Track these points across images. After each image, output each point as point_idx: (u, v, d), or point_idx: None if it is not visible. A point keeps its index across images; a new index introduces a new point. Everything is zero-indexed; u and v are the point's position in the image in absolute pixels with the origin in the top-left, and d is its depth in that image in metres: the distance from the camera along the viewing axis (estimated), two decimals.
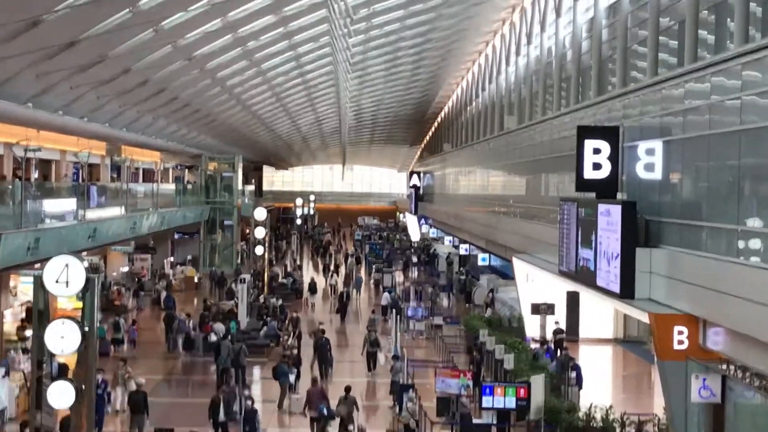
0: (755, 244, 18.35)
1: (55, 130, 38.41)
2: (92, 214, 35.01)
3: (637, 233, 22.62)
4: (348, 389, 25.33)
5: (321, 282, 58.31)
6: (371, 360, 33.32)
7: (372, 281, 60.55)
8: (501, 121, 52.88)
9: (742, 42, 20.43)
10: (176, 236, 61.96)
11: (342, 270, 62.31)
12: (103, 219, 36.18)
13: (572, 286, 30.08)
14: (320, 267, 69.06)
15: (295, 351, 32.60)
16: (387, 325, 41.99)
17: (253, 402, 24.76)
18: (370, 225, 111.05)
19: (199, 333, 36.41)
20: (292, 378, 29.42)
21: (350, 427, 24.25)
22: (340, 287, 52.38)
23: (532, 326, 35.25)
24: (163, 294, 46.47)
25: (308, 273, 63.96)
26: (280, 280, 55.89)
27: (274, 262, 67.04)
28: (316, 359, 32.56)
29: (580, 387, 27.56)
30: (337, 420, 24.52)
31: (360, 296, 53.96)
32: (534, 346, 32.64)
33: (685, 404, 21.05)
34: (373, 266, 64.25)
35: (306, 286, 52.37)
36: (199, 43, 35.12)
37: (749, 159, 18.65)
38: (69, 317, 14.99)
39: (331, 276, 57.37)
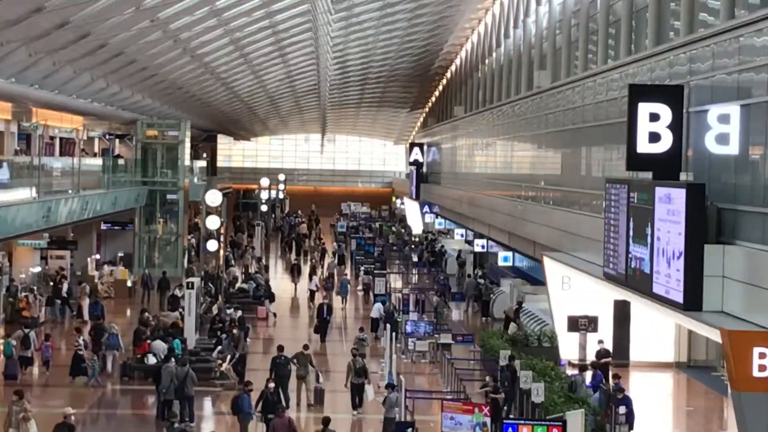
0: None
1: None
2: None
3: (707, 226, 22.66)
4: (326, 422, 25.40)
5: (288, 287, 58.49)
6: (357, 394, 32.99)
7: (360, 286, 60.48)
8: (530, 78, 52.91)
9: None
10: (104, 227, 61.59)
11: (320, 271, 62.25)
12: (8, 204, 36.01)
13: (621, 294, 30.05)
14: (291, 267, 68.53)
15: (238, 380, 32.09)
16: (379, 345, 41.88)
17: None
18: (357, 213, 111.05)
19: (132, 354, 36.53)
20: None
21: None
22: (319, 296, 52.30)
23: (568, 346, 35.29)
24: (86, 301, 46.36)
25: (276, 276, 63.90)
26: (239, 284, 55.82)
27: (233, 261, 66.94)
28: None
29: (631, 426, 27.56)
30: None
31: (345, 306, 53.94)
32: (571, 372, 32.60)
33: None
34: (362, 267, 64.18)
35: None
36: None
37: None
38: None
39: (310, 278, 57.20)
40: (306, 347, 35.30)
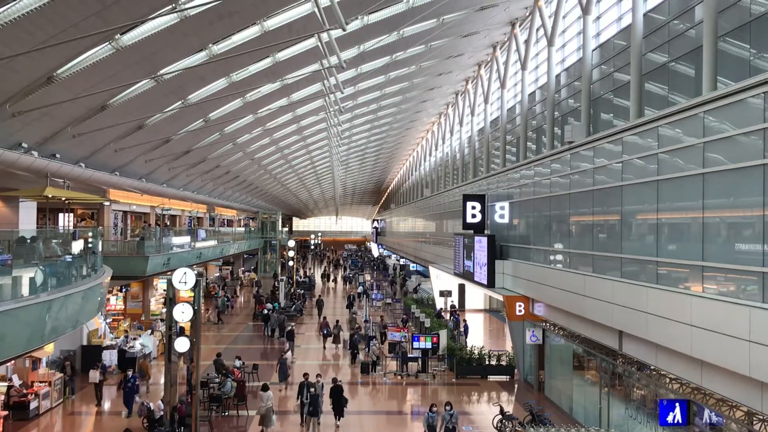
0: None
1: (179, 198, 38.03)
2: (199, 245, 34.50)
3: (495, 252, 22.52)
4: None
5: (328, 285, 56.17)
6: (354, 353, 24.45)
7: (349, 280, 58.88)
8: (422, 191, 53.21)
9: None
10: (245, 255, 60.84)
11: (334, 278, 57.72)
12: (205, 247, 35.68)
13: (462, 281, 30.13)
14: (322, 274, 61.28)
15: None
16: (361, 303, 41.45)
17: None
18: (351, 248, 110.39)
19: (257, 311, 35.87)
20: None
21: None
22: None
23: (440, 303, 35.14)
24: (253, 288, 45.30)
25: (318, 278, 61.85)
26: (302, 279, 55.03)
27: (299, 269, 65.84)
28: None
29: (467, 336, 27.51)
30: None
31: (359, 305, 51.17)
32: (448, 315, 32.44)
33: (523, 344, 21.10)
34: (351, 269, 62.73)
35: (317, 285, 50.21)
36: (258, 151, 35.06)
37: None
38: (186, 302, 14.81)
39: (355, 299, 40.28)
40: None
